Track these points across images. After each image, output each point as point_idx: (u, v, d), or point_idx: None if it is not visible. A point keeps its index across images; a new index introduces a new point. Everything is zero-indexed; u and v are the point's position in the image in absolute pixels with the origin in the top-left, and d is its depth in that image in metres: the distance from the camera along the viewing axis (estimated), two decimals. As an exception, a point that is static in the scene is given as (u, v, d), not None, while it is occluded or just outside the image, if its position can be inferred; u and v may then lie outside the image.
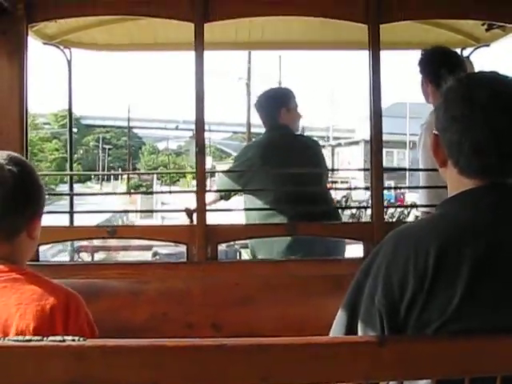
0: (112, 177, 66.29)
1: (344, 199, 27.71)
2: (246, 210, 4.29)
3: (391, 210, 20.91)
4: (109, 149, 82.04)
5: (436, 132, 1.84)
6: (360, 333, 1.72)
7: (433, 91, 4.06)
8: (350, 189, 27.57)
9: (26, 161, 2.03)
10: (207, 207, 3.46)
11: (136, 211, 21.98)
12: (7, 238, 1.92)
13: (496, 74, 1.84)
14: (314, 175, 4.37)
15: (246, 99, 43.82)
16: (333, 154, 58.27)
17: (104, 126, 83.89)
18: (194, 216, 3.79)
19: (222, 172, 4.78)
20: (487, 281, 1.62)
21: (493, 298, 1.62)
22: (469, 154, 1.75)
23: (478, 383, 1.53)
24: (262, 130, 4.63)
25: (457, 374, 1.51)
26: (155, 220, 20.61)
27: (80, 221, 4.21)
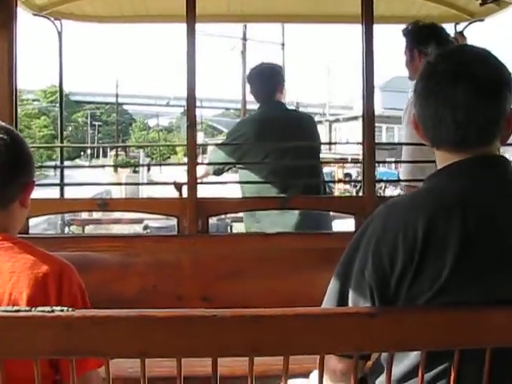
0: (101, 153, 65.77)
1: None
2: (240, 183, 4.29)
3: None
4: (98, 125, 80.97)
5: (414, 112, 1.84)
6: (351, 306, 1.71)
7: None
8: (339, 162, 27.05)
9: (15, 130, 2.02)
10: (198, 181, 3.45)
11: (120, 184, 21.49)
12: (3, 207, 1.91)
13: (468, 46, 1.83)
14: (308, 149, 4.37)
15: (240, 71, 38.67)
16: (330, 131, 56.29)
17: (93, 103, 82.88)
18: (184, 189, 3.79)
19: (216, 145, 4.75)
20: (476, 253, 1.62)
21: (481, 270, 1.62)
22: (432, 128, 1.76)
23: (467, 355, 1.53)
24: (257, 106, 4.61)
25: (447, 346, 1.52)
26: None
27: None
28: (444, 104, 1.71)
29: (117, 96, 70.97)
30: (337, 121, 59.54)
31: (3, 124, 1.95)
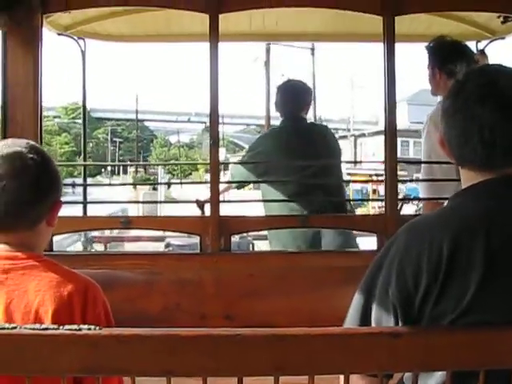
0: (121, 170, 65.65)
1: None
2: (263, 201, 4.31)
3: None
4: (119, 142, 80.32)
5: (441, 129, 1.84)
6: (374, 325, 1.71)
7: (444, 82, 4.03)
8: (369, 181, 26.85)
9: (45, 149, 2.04)
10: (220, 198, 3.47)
11: (138, 202, 21.16)
12: (30, 226, 1.93)
13: (497, 66, 1.82)
14: (330, 165, 4.41)
15: (263, 84, 36.65)
16: (355, 146, 54.08)
17: (114, 119, 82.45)
18: (206, 207, 3.81)
19: (236, 163, 4.77)
20: (501, 273, 1.62)
21: (506, 290, 1.62)
22: (458, 147, 1.75)
23: (493, 375, 1.53)
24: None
25: (472, 366, 1.51)
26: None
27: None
28: (471, 123, 1.71)
29: (137, 112, 70.82)
30: (362, 135, 57.37)
31: (33, 143, 1.97)
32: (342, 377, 1.51)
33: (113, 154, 77.37)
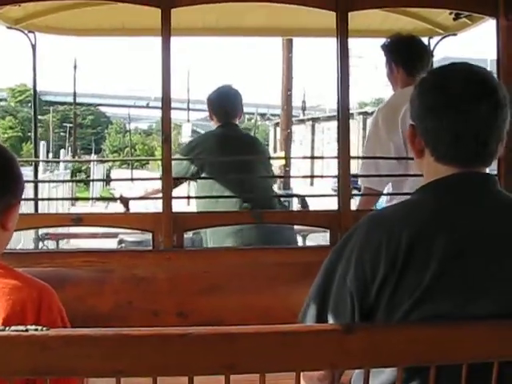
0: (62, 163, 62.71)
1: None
2: (204, 197, 4.44)
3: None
4: (70, 127, 71.77)
5: (412, 122, 1.86)
6: (330, 314, 1.74)
7: (403, 77, 4.07)
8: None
9: (5, 147, 1.94)
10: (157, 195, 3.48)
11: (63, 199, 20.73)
12: None
13: (468, 65, 1.88)
14: (263, 166, 4.82)
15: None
16: (313, 133, 51.18)
17: (67, 103, 75.45)
18: (130, 204, 4.00)
19: (179, 158, 4.79)
20: (458, 267, 1.65)
21: (462, 283, 1.65)
22: (446, 141, 1.78)
23: (444, 370, 1.54)
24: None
25: (423, 362, 1.53)
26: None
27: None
28: (466, 119, 1.76)
29: (75, 95, 66.26)
30: (317, 119, 55.89)
31: None
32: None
33: (64, 140, 73.46)
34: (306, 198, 4.79)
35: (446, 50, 4.51)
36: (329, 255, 1.81)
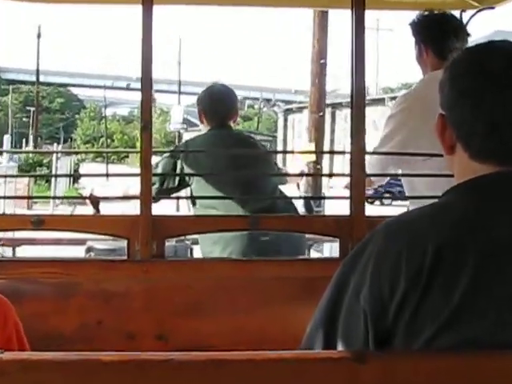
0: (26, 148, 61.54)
1: None
2: (193, 197, 4.51)
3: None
4: (33, 111, 68.94)
5: (442, 112, 1.86)
6: (340, 336, 1.73)
7: (433, 61, 4.09)
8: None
9: None
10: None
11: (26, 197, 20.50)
12: None
13: (510, 43, 1.87)
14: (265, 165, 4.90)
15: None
16: (286, 126, 51.08)
17: (31, 82, 72.93)
18: (103, 206, 4.05)
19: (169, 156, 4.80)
20: (494, 285, 1.64)
21: (496, 306, 1.63)
22: (482, 134, 1.78)
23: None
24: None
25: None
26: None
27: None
28: (504, 107, 1.76)
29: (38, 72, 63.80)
30: (290, 111, 53.81)
31: None
32: None
33: (27, 126, 71.93)
34: (324, 202, 4.83)
35: (481, 27, 4.49)
36: (339, 268, 1.80)
